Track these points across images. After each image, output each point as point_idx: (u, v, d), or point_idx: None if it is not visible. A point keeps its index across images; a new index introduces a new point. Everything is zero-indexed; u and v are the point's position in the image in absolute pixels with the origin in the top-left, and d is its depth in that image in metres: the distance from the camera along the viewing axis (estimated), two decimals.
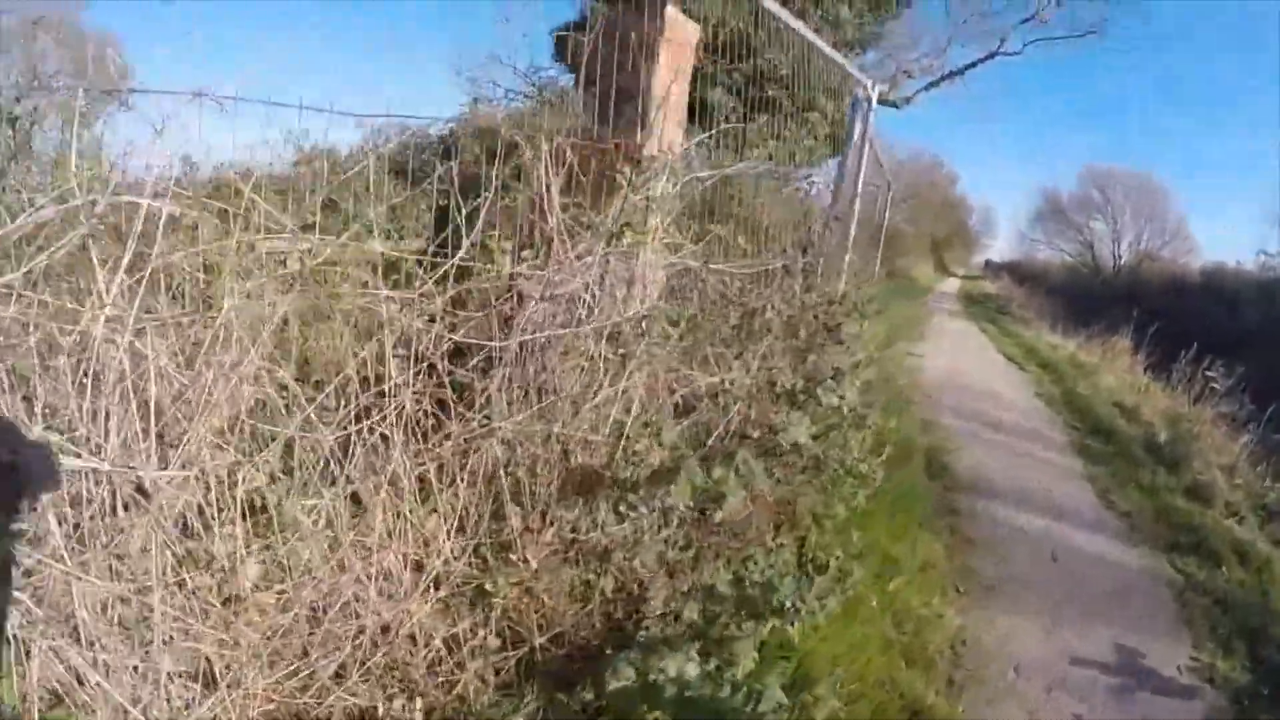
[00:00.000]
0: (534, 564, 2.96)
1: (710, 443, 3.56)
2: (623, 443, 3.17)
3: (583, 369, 3.24)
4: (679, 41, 6.01)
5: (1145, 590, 5.17)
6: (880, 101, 21.12)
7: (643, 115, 5.75)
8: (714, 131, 6.80)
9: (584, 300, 3.31)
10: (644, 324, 3.41)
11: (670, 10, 5.84)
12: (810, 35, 6.37)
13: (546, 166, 3.64)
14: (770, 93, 12.27)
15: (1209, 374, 10.55)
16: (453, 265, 2.95)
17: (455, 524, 2.91)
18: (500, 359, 3.07)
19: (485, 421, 2.94)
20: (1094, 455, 8.13)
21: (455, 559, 2.88)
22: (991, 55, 22.83)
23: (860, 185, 7.13)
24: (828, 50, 6.51)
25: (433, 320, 2.95)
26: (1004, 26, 22.65)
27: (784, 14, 6.26)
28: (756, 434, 3.72)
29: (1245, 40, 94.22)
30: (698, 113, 7.01)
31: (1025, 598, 4.75)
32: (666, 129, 5.79)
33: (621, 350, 3.32)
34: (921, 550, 4.97)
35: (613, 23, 5.86)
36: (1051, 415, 10.04)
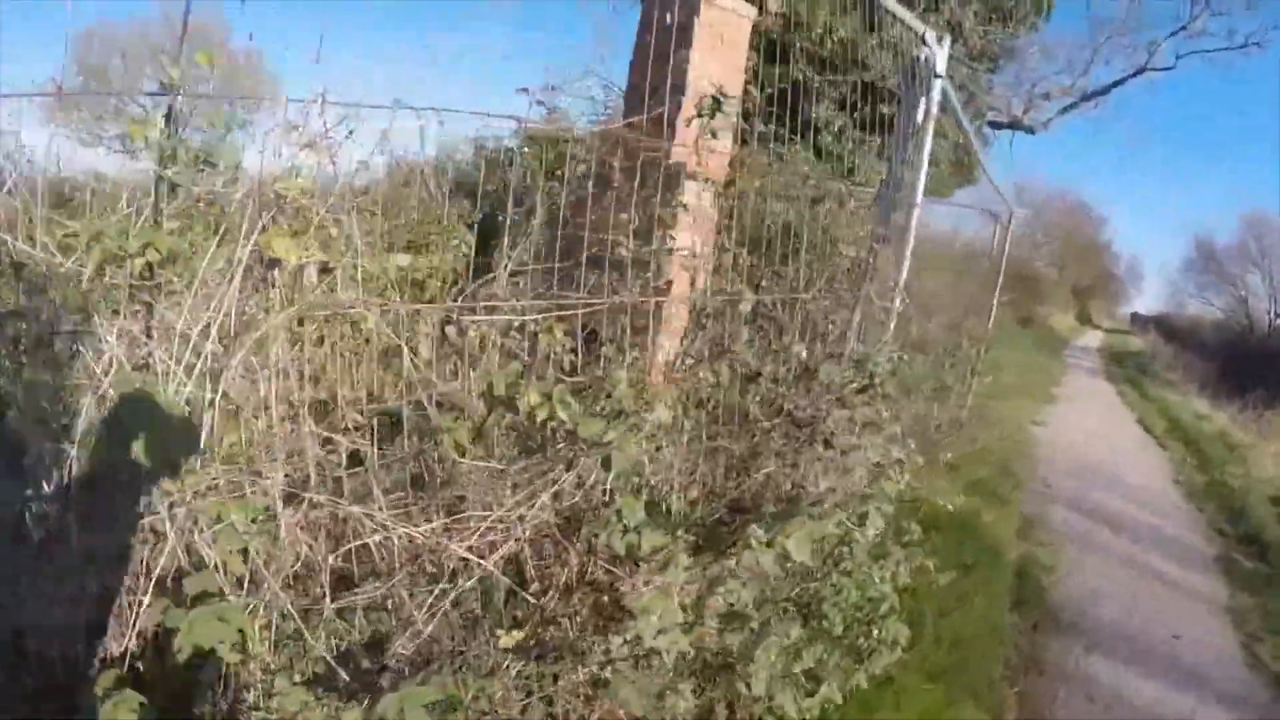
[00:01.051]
0: None
1: None
2: None
3: None
4: (721, 23, 4.80)
5: None
6: (1014, 125, 19.32)
7: (670, 111, 4.56)
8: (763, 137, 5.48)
9: None
10: None
11: None
12: None
13: None
14: (884, 110, 10.83)
15: None
16: None
17: None
18: None
19: None
20: (1242, 578, 6.30)
21: None
22: (1139, 71, 20.43)
23: (921, 192, 5.38)
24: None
25: None
26: (1153, 40, 20.26)
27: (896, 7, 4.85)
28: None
29: None
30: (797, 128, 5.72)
31: None
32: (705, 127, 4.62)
33: None
34: None
35: (655, 6, 4.79)
36: (1192, 513, 8.16)
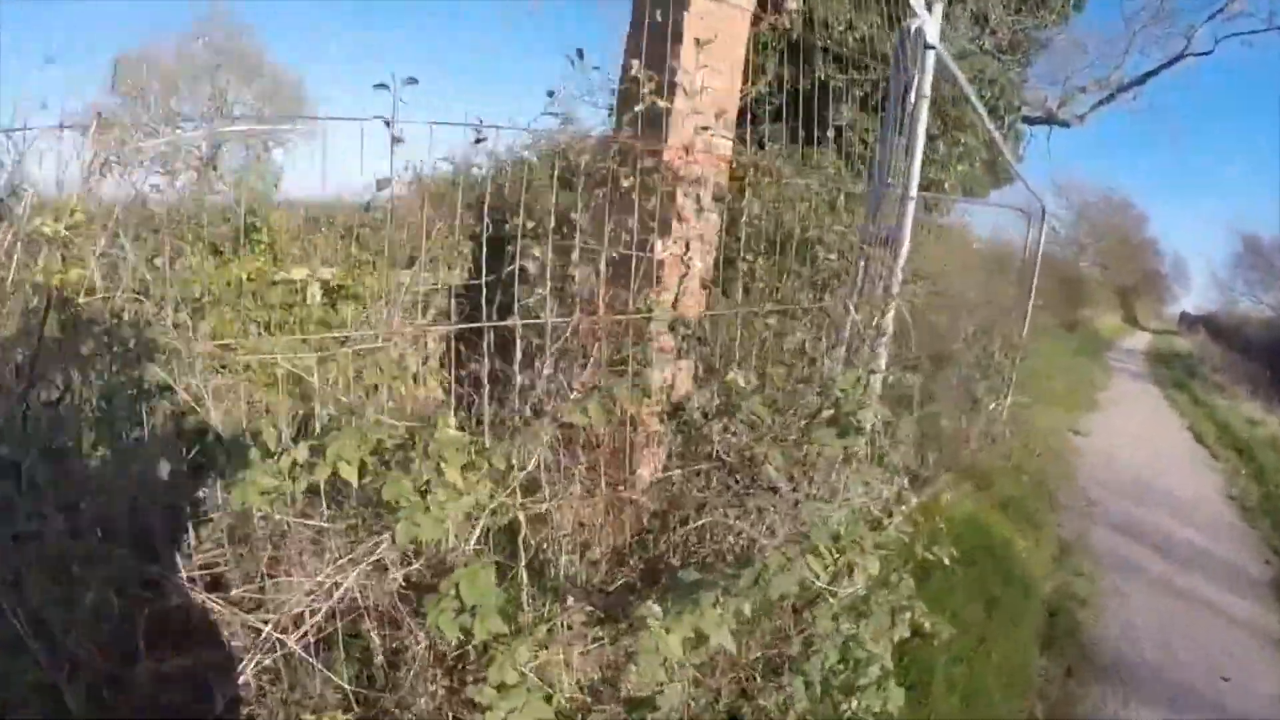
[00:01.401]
0: None
1: None
2: None
3: None
4: (714, 17, 4.49)
5: None
6: (1049, 120, 18.70)
7: (665, 111, 4.25)
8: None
9: None
10: None
11: None
12: None
13: None
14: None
15: None
16: None
17: None
18: None
19: None
20: None
21: None
22: (1177, 59, 19.61)
23: (916, 183, 4.84)
24: None
25: None
26: (1190, 25, 19.43)
27: None
28: None
29: None
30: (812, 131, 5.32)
31: None
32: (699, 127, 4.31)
33: None
34: None
35: (644, 1, 4.42)
36: (1246, 531, 7.60)
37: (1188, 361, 27.98)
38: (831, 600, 2.62)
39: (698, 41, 4.28)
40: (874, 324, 4.17)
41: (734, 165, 4.82)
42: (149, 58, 28.09)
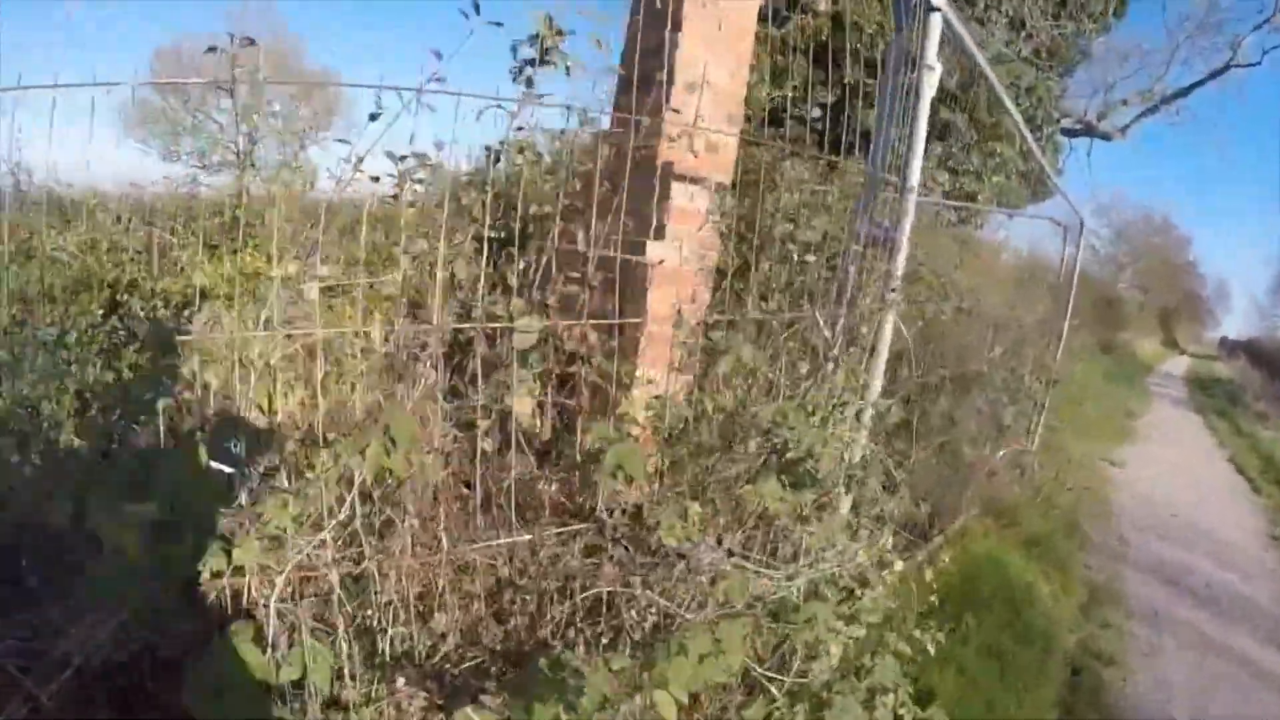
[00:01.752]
0: None
1: None
2: None
3: None
4: (717, 4, 4.11)
5: None
6: (1089, 132, 18.05)
7: (659, 104, 3.95)
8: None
9: None
10: None
11: None
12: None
13: None
14: (944, 116, 9.95)
15: None
16: None
17: None
18: None
19: None
20: None
21: None
22: (1222, 70, 18.92)
23: (917, 173, 4.14)
24: None
25: None
26: (1236, 36, 18.76)
27: None
28: None
29: None
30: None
31: None
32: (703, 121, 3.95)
33: None
34: None
35: None
36: None
37: (1229, 388, 27.21)
38: (774, 689, 2.17)
39: (700, 31, 3.94)
40: (845, 338, 3.58)
41: (740, 165, 4.43)
42: (184, 54, 28.46)
